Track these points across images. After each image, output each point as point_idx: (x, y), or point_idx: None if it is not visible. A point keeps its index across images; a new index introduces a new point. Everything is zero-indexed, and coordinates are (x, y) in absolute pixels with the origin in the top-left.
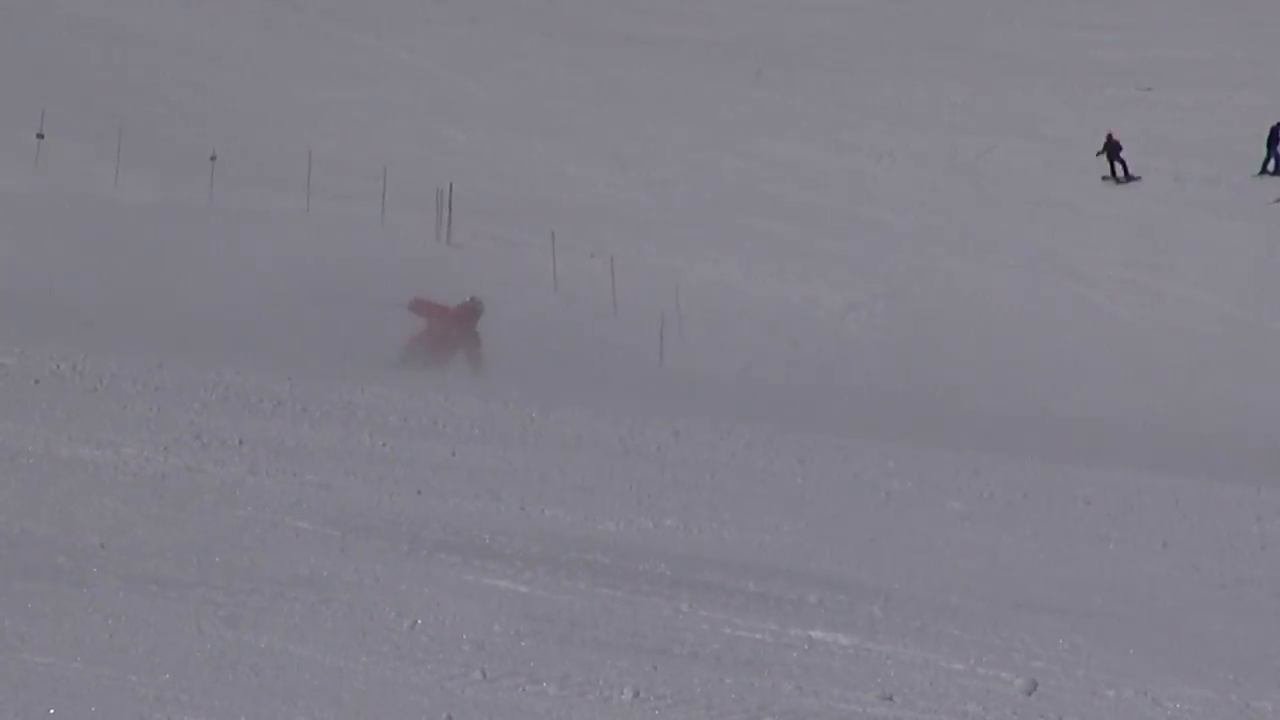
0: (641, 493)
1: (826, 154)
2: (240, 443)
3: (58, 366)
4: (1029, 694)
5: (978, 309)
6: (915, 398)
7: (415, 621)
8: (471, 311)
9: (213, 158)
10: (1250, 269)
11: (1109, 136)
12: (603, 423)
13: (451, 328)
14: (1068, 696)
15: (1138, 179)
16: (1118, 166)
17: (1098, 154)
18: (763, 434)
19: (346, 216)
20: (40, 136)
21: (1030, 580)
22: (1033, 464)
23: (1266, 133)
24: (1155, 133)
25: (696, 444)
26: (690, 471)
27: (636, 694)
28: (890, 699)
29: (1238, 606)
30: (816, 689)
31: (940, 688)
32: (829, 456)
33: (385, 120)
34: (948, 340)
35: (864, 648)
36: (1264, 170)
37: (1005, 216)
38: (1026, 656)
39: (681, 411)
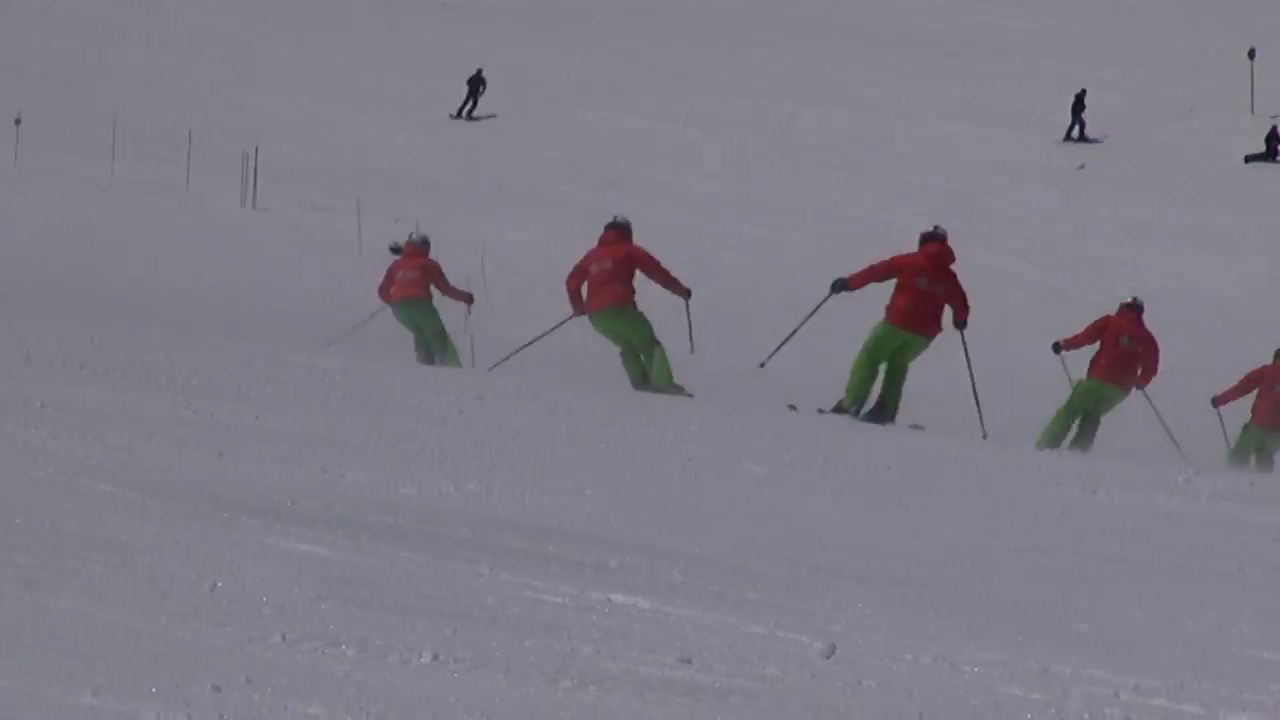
0: (443, 457)
1: (636, 120)
2: (42, 406)
3: None
4: (827, 657)
5: (786, 277)
6: (718, 364)
7: (215, 584)
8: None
9: (17, 121)
10: (1055, 235)
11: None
12: (404, 386)
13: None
14: (866, 660)
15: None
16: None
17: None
18: (565, 399)
19: (151, 180)
20: None
21: (830, 545)
22: (834, 429)
23: (1072, 100)
24: (962, 99)
25: (499, 408)
26: (492, 435)
27: (435, 657)
28: (689, 662)
29: (1037, 572)
30: (615, 652)
31: (739, 651)
32: (631, 421)
33: (192, 85)
34: (754, 308)
35: (663, 611)
36: (1069, 137)
37: (813, 183)
38: (825, 620)
39: (486, 376)
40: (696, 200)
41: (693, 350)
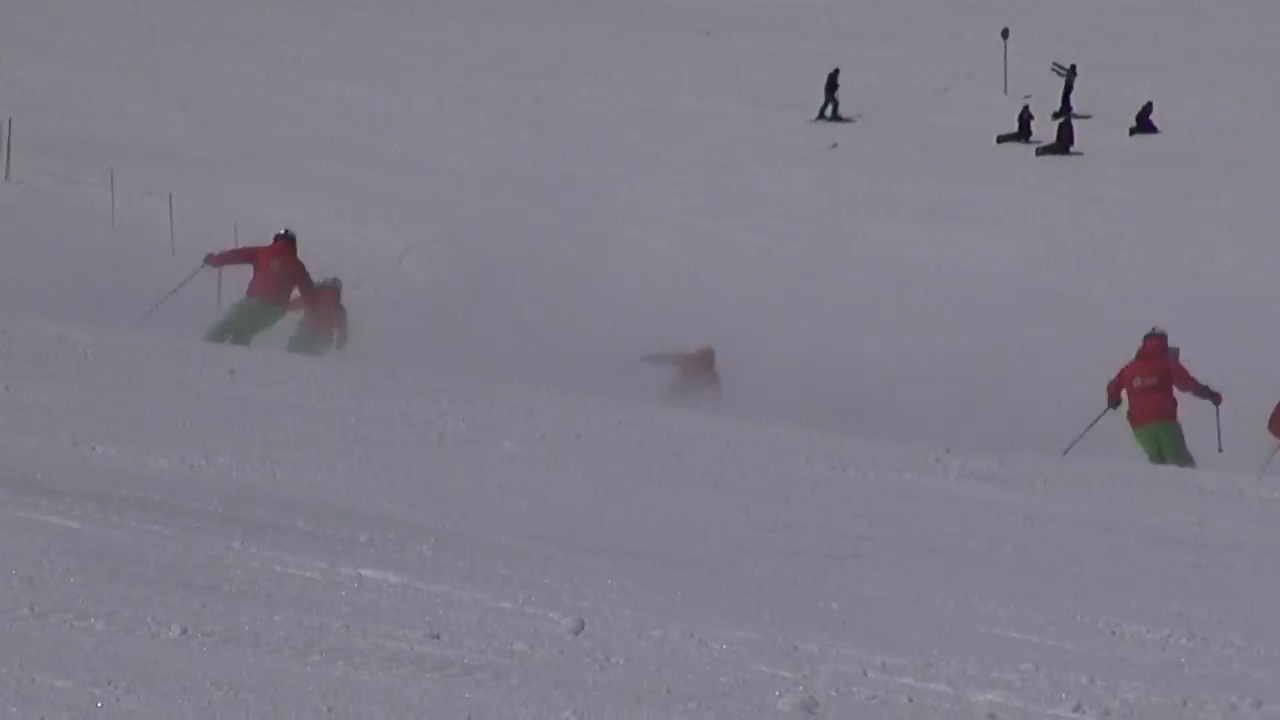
0: (195, 430)
1: (388, 96)
2: None
3: None
4: (576, 633)
5: (538, 252)
6: (472, 339)
7: None
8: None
9: None
10: (807, 212)
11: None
12: (157, 360)
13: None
14: (615, 636)
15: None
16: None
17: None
18: (318, 373)
19: None
20: None
21: (580, 521)
22: (587, 406)
23: (825, 79)
24: (718, 77)
25: (251, 382)
26: (244, 409)
27: (184, 630)
28: (438, 637)
29: (787, 549)
30: (365, 627)
31: (488, 626)
32: (383, 396)
33: None
34: (507, 283)
35: (413, 586)
36: (821, 116)
37: (566, 159)
38: (575, 596)
39: (236, 350)
40: (450, 175)
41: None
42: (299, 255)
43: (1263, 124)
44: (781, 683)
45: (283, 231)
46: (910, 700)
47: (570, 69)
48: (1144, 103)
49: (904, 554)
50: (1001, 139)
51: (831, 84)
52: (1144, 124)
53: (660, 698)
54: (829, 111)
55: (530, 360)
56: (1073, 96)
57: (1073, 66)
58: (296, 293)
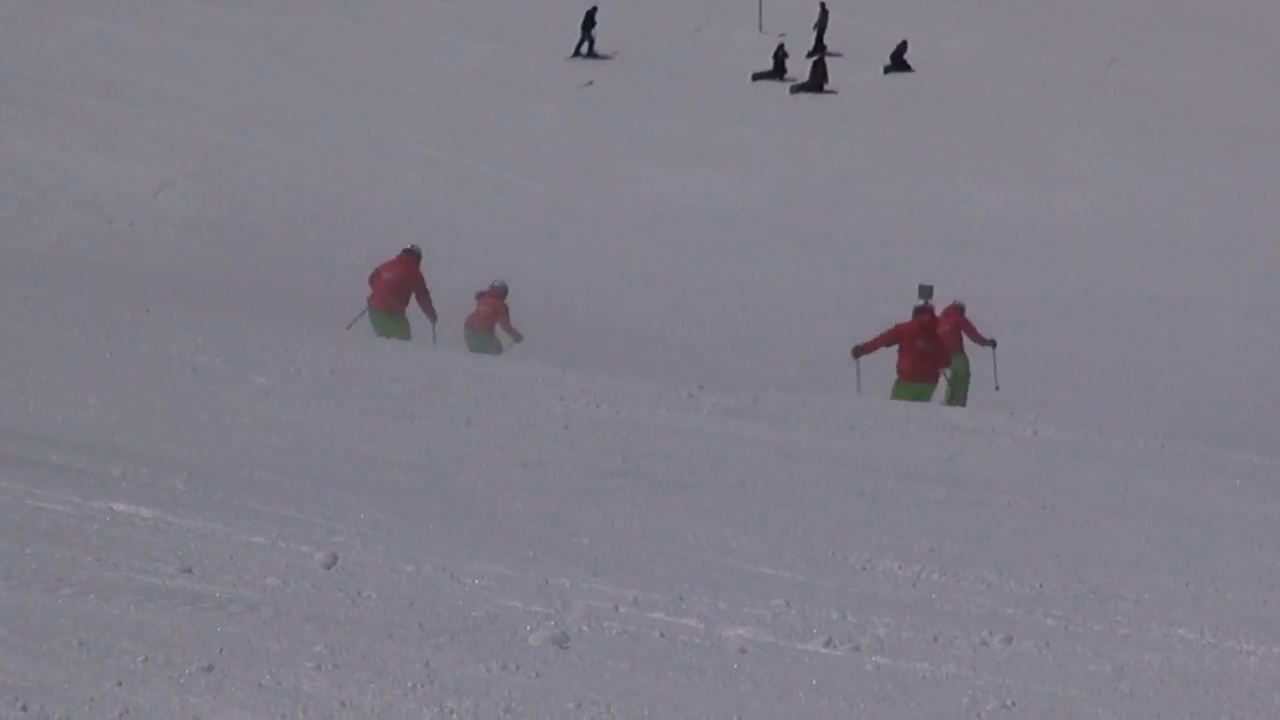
0: None
1: (144, 31)
2: None
3: None
4: (328, 568)
5: (292, 189)
6: (227, 275)
7: None
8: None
9: None
10: (562, 151)
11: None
12: None
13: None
14: (367, 571)
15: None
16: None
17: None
18: (70, 307)
19: None
20: None
21: (334, 456)
22: (339, 342)
23: (582, 16)
24: (472, 15)
25: (3, 316)
26: None
27: None
28: (190, 571)
29: (540, 485)
30: (116, 561)
31: (240, 561)
32: (137, 331)
33: None
34: (262, 220)
35: (165, 521)
36: (577, 53)
37: (321, 96)
38: (327, 531)
39: None
40: (205, 111)
41: None
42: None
43: (1015, 64)
44: (533, 617)
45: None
46: (662, 635)
47: (326, 6)
48: (899, 41)
49: (656, 490)
50: (756, 77)
51: (588, 21)
52: (898, 63)
53: (412, 632)
54: (585, 49)
55: (285, 297)
56: (826, 35)
57: (823, 4)
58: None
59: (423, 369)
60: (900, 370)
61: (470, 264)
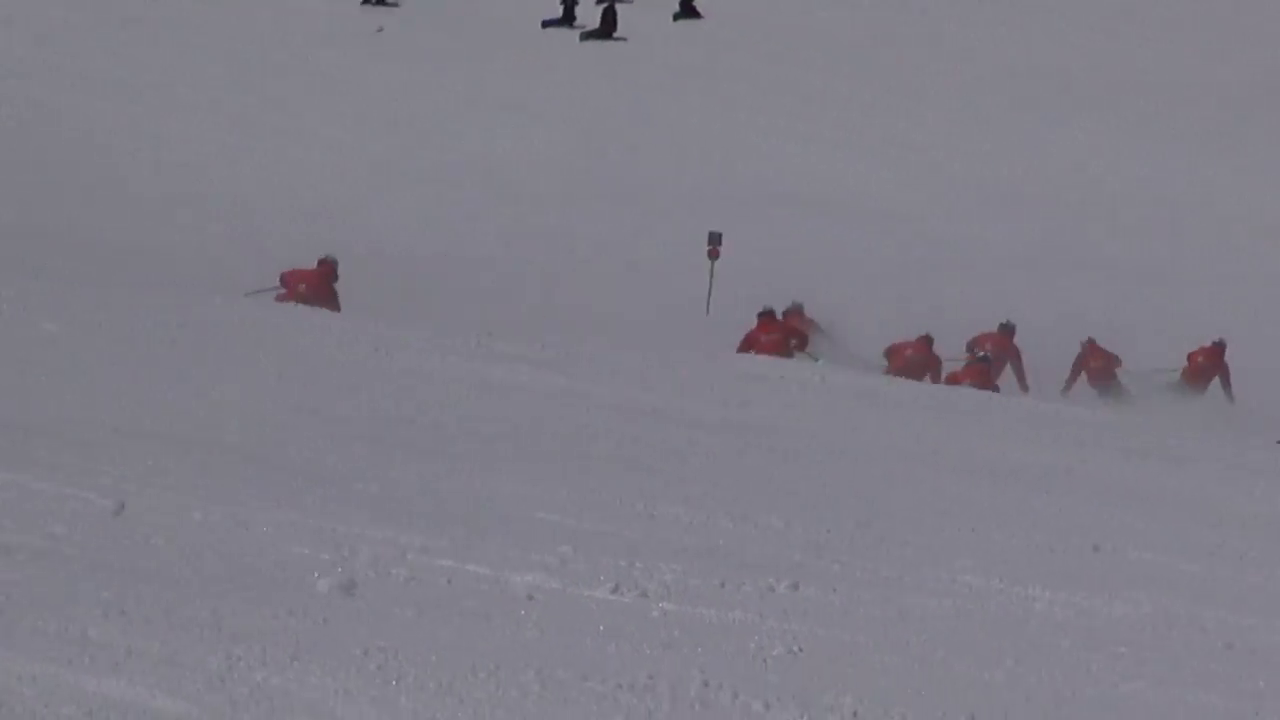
0: None
1: None
2: None
3: None
4: (116, 515)
5: (89, 145)
6: (19, 227)
7: None
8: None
9: None
10: (355, 99)
11: None
12: None
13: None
14: (155, 517)
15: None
16: None
17: None
18: None
19: None
20: None
21: (123, 403)
22: (121, 293)
23: None
24: None
25: None
26: None
27: None
28: None
29: (326, 433)
30: None
31: (28, 508)
32: None
33: None
34: (63, 174)
35: None
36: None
37: (94, 47)
38: (116, 479)
39: None
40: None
41: None
42: None
43: (807, 13)
44: (321, 564)
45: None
46: (449, 582)
47: None
48: None
49: (443, 437)
50: (546, 24)
51: None
52: (687, 9)
53: (200, 579)
54: None
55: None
56: None
57: None
58: None
59: (205, 319)
60: None
61: (252, 214)
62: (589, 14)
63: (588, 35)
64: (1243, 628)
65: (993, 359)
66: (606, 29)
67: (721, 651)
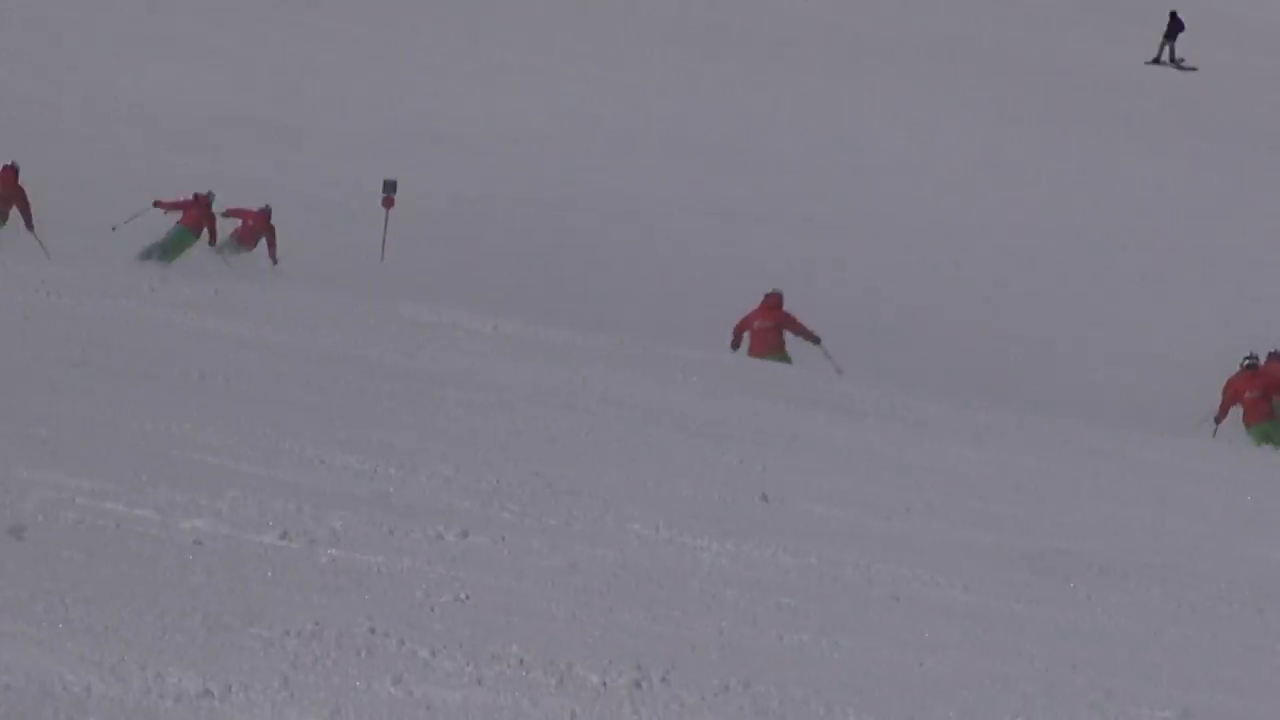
0: None
1: None
2: None
3: None
4: None
5: None
6: None
7: None
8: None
9: None
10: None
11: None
12: None
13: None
14: None
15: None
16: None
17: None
18: None
19: None
20: None
21: None
22: None
23: None
24: None
25: None
26: None
27: None
28: None
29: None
30: None
31: None
32: None
33: None
34: None
35: None
36: None
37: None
38: None
39: None
40: None
41: None
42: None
43: None
44: None
45: None
46: (118, 526)
47: None
48: None
49: (116, 381)
50: None
51: None
52: None
53: None
54: None
55: None
56: None
57: None
58: None
59: None
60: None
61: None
62: None
63: None
64: (909, 579)
65: None
66: None
67: (389, 598)
